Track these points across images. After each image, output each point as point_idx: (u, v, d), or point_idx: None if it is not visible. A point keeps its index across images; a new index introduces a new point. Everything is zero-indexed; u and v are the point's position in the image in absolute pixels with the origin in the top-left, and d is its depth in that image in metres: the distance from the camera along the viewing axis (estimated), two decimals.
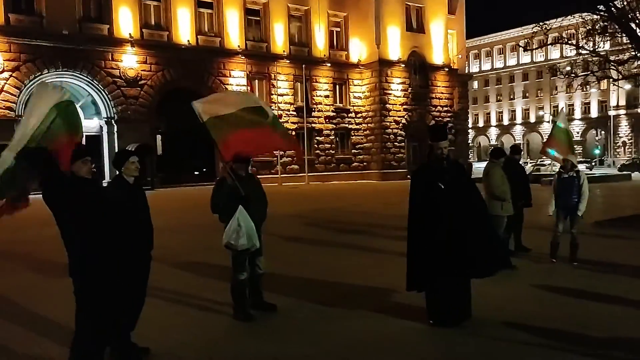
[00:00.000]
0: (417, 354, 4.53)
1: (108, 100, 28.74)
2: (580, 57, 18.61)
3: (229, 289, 5.57)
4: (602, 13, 14.67)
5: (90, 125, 29.15)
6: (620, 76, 15.79)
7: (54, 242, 11.16)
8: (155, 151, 30.14)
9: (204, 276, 7.49)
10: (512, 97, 79.94)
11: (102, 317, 3.85)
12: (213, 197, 5.50)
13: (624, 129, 66.73)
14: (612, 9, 14.39)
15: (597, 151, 63.50)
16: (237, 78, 32.75)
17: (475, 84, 79.32)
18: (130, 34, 29.04)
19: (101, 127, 29.37)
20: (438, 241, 5.02)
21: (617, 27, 14.30)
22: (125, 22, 29.06)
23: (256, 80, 34.00)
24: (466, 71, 51.58)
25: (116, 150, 26.17)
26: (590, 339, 4.71)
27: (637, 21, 14.47)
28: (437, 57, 39.68)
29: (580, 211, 7.56)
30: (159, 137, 31.35)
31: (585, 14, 15.84)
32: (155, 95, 30.14)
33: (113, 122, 28.93)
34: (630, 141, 66.18)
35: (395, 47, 37.48)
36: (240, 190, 5.30)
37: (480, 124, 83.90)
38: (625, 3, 14.51)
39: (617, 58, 16.80)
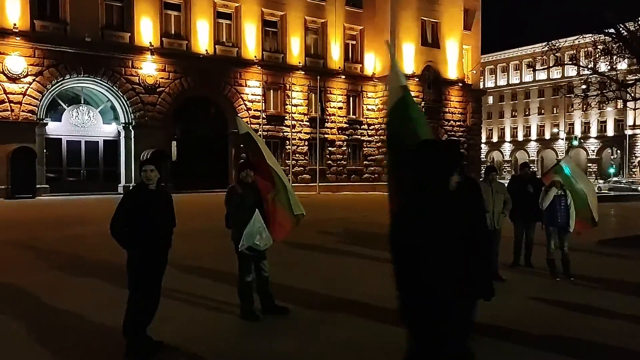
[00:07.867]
0: None
1: (126, 106, 29.41)
2: (593, 76, 18.84)
3: (236, 291, 5.92)
4: (612, 35, 14.97)
5: (108, 130, 29.88)
6: (630, 98, 15.99)
7: (71, 242, 11.55)
8: (170, 157, 30.72)
9: (212, 279, 7.84)
10: (527, 113, 79.80)
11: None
12: (228, 206, 5.90)
13: None
14: (622, 31, 14.68)
15: (611, 170, 63.09)
16: (252, 87, 33.32)
17: (491, 99, 79.30)
18: (150, 42, 29.76)
19: (119, 132, 30.04)
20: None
21: (625, 49, 14.54)
22: (146, 31, 29.80)
23: (271, 90, 34.55)
24: (481, 86, 51.69)
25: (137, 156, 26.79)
26: (574, 347, 4.98)
27: None
28: (451, 72, 39.98)
29: (571, 227, 7.97)
30: (174, 143, 31.97)
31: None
32: (172, 102, 30.77)
33: (130, 127, 29.58)
34: None
35: (409, 61, 37.85)
36: (252, 196, 5.78)
37: (495, 139, 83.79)
38: (637, 26, 14.77)
39: (628, 79, 17.00)
